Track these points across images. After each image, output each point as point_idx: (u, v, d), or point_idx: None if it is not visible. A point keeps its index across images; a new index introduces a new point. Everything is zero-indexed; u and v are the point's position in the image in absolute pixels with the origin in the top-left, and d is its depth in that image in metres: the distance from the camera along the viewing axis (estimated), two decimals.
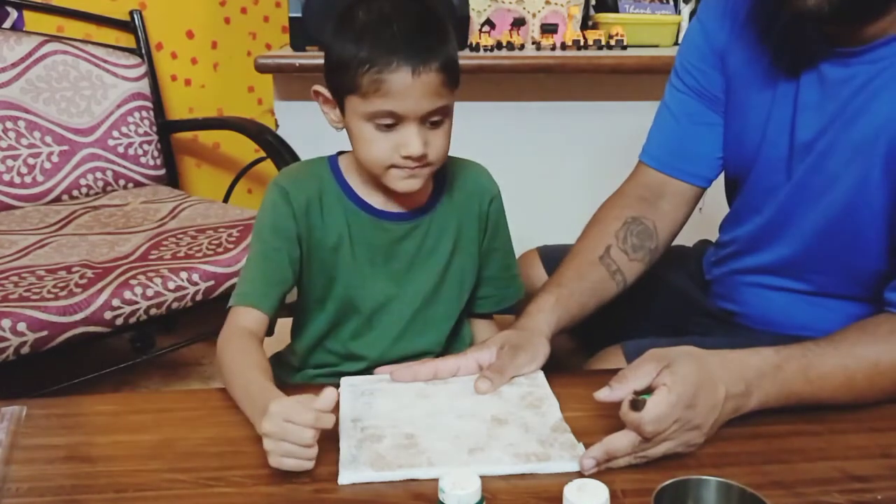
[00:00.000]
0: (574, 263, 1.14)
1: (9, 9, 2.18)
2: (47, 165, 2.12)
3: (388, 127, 0.95)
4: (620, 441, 0.81)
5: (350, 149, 1.06)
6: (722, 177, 1.24)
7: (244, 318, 1.01)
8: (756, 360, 0.89)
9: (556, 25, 2.16)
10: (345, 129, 1.02)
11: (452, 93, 0.97)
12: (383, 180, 0.99)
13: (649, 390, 0.82)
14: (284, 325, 1.13)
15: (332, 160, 1.08)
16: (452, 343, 1.14)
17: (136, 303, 1.59)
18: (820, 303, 1.11)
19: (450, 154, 1.11)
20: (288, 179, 1.05)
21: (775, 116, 1.08)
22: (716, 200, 1.31)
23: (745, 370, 0.87)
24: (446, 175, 1.09)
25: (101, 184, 2.21)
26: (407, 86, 0.92)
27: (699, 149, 1.19)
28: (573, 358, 1.39)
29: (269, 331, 1.04)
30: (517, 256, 1.40)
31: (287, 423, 0.79)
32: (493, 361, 1.00)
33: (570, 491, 0.68)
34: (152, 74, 2.36)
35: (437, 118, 0.96)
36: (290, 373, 1.12)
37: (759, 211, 1.13)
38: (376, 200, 1.05)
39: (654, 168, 1.21)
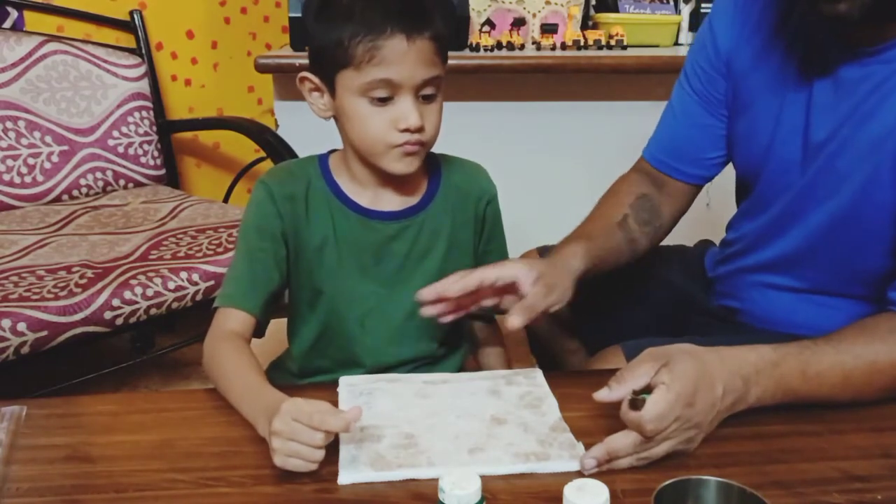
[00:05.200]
0: (599, 223, 1.16)
1: (9, 9, 2.18)
2: (47, 165, 2.12)
3: (383, 101, 0.93)
4: (622, 441, 0.81)
5: (341, 147, 1.05)
6: (724, 177, 1.24)
7: (230, 321, 1.00)
8: (753, 357, 0.89)
9: (556, 25, 2.16)
10: (334, 120, 1.01)
11: (444, 65, 0.97)
12: (381, 163, 0.97)
13: (648, 389, 0.82)
14: (282, 329, 1.12)
15: (322, 158, 1.06)
16: (451, 346, 1.12)
17: (136, 303, 1.59)
18: (823, 301, 1.11)
19: (449, 154, 1.11)
20: (273, 178, 1.04)
21: (787, 117, 1.08)
22: (722, 201, 1.31)
23: (743, 367, 0.88)
24: (440, 173, 1.07)
25: (101, 184, 2.21)
26: (402, 52, 0.91)
27: (693, 150, 1.21)
28: (573, 358, 1.39)
29: (260, 332, 1.03)
30: (517, 257, 1.40)
31: (297, 424, 0.78)
32: (524, 293, 0.97)
33: (570, 491, 0.68)
34: (152, 74, 2.36)
35: (431, 91, 0.95)
36: (291, 379, 1.10)
37: (768, 209, 1.13)
38: (364, 199, 1.03)
39: (652, 165, 1.24)
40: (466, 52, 2.03)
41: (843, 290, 1.09)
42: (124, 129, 2.25)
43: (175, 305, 1.65)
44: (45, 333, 1.47)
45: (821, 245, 1.07)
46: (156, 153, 2.31)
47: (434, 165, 1.07)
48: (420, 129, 0.94)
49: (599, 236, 1.12)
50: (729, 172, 1.24)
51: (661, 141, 1.24)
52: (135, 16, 2.34)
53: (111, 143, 2.22)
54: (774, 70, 1.09)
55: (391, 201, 1.04)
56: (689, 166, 1.22)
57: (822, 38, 1.03)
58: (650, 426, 0.80)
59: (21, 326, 1.44)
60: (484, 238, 1.11)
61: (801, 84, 1.06)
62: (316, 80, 0.98)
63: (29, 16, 2.23)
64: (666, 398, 0.80)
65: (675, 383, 0.81)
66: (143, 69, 2.31)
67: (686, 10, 2.27)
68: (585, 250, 1.07)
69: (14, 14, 2.20)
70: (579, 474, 0.81)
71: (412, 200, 1.05)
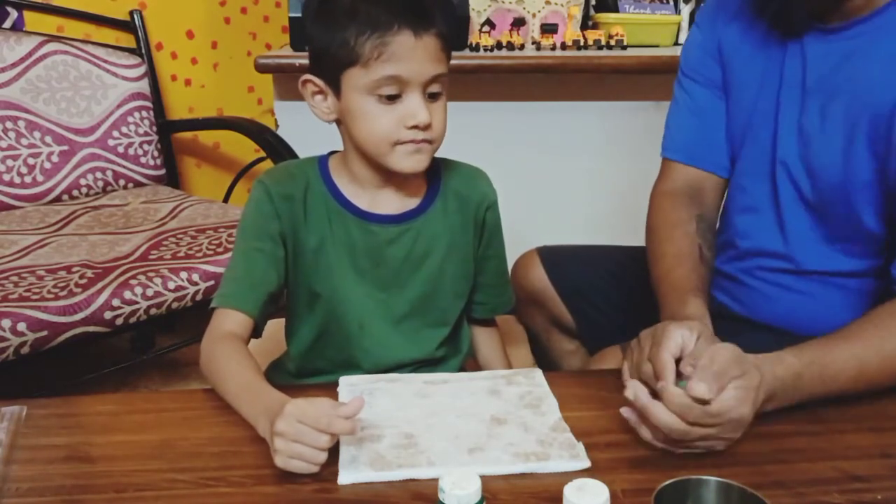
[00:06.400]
0: (685, 266, 1.11)
1: (9, 9, 2.18)
2: (47, 165, 2.12)
3: (391, 99, 0.93)
4: (665, 416, 0.81)
5: (341, 148, 1.04)
6: None
7: (228, 322, 0.99)
8: (781, 371, 0.88)
9: (556, 25, 2.16)
10: (336, 124, 1.00)
11: (449, 63, 0.97)
12: (389, 162, 0.96)
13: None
14: (282, 330, 1.12)
15: (322, 159, 1.06)
16: (450, 349, 1.12)
17: (136, 303, 1.59)
18: (820, 280, 1.11)
19: (448, 153, 1.11)
20: (271, 177, 1.03)
21: (763, 96, 1.10)
22: None
23: (774, 382, 0.87)
24: (440, 177, 1.07)
25: (101, 184, 2.21)
26: (410, 48, 0.91)
27: (722, 137, 1.18)
28: (573, 358, 1.39)
29: (257, 333, 1.03)
30: (517, 257, 1.40)
31: (302, 426, 0.78)
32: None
33: (570, 491, 0.68)
34: (152, 74, 2.36)
35: (437, 89, 0.96)
36: (290, 379, 1.10)
37: (752, 193, 1.14)
38: (363, 201, 1.03)
39: (685, 163, 1.21)
40: (466, 52, 2.03)
41: (835, 270, 1.09)
42: (124, 129, 2.25)
43: (175, 305, 1.65)
44: (45, 333, 1.47)
45: (808, 228, 1.08)
46: (156, 153, 2.31)
47: (434, 170, 1.07)
48: (428, 126, 0.94)
49: (699, 282, 1.09)
50: None
51: (685, 137, 1.21)
52: (135, 16, 2.34)
53: (111, 143, 2.22)
54: (753, 51, 1.11)
55: (390, 205, 1.03)
56: (727, 158, 1.18)
57: (794, 16, 1.05)
58: (694, 413, 0.79)
59: (21, 326, 1.44)
60: (483, 243, 1.11)
61: (775, 62, 1.08)
62: (320, 82, 0.98)
63: (29, 16, 2.23)
64: (727, 406, 0.81)
65: (741, 404, 0.82)
66: (143, 69, 2.31)
67: (686, 10, 2.27)
68: (704, 303, 1.04)
69: (14, 14, 2.20)
70: (579, 474, 0.80)
71: (411, 204, 1.04)
